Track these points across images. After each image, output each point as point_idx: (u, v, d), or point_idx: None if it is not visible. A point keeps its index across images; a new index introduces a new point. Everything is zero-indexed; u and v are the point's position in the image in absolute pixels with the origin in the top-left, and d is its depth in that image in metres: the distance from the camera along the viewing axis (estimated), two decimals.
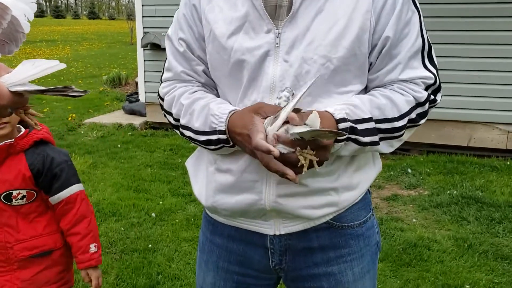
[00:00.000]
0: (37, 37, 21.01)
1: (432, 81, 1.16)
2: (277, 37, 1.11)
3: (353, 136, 1.09)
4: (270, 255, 1.26)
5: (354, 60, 1.12)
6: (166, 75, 1.28)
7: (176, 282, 2.86)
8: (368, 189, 1.30)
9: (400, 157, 5.04)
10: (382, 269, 2.98)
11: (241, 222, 1.25)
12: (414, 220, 3.67)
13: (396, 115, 1.13)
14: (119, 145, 5.55)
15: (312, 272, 1.25)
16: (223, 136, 1.12)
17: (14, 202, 1.69)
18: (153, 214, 3.75)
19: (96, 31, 25.47)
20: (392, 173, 4.63)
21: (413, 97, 1.14)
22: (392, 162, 4.89)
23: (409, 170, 4.66)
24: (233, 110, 1.13)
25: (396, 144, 1.19)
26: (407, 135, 1.18)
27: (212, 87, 1.26)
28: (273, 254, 1.26)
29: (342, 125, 1.07)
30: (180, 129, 1.22)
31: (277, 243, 1.23)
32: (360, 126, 1.09)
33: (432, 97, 1.17)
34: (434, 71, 1.17)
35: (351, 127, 1.08)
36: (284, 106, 1.03)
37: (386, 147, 1.17)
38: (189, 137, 1.20)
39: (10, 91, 0.85)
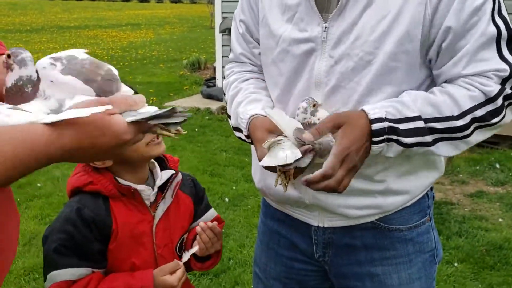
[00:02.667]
0: (123, 21, 22.00)
1: (507, 74, 1.01)
2: (325, 31, 1.08)
3: (394, 137, 1.01)
4: (315, 246, 1.26)
5: (404, 56, 1.04)
6: (230, 55, 1.34)
7: (246, 269, 2.88)
8: (427, 193, 1.23)
9: (487, 150, 4.71)
10: (462, 271, 2.82)
11: (289, 209, 1.27)
12: (500, 219, 3.42)
13: (456, 113, 1.02)
14: (196, 129, 5.69)
15: (355, 271, 1.24)
16: (248, 140, 1.16)
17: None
18: (226, 199, 3.81)
19: (178, 15, 26.20)
20: (478, 167, 4.34)
21: (481, 91, 1.01)
22: (479, 156, 4.58)
23: (497, 165, 4.35)
24: (253, 116, 1.14)
25: (463, 146, 1.07)
26: (478, 137, 1.05)
27: None
28: (317, 245, 1.26)
29: (376, 126, 0.99)
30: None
31: (321, 235, 1.23)
32: (402, 126, 1.00)
33: (508, 90, 1.02)
34: None
35: (391, 127, 1.00)
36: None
37: (447, 149, 1.05)
38: (231, 127, 1.26)
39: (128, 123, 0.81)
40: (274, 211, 1.33)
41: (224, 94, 1.31)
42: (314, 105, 1.03)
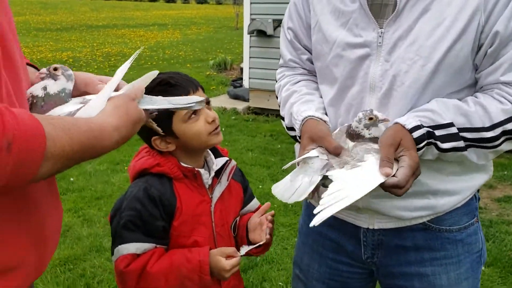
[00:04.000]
0: (150, 21, 22.32)
1: None
2: (380, 36, 1.11)
3: (433, 141, 1.06)
4: (363, 247, 1.27)
5: (454, 61, 1.07)
6: (280, 61, 1.39)
7: (273, 266, 2.94)
8: (474, 195, 1.26)
9: None
10: (489, 275, 2.81)
11: (337, 212, 1.27)
12: None
13: (487, 124, 1.06)
14: (223, 129, 5.75)
15: (404, 271, 1.25)
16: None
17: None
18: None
19: (204, 16, 26.43)
20: (506, 172, 4.30)
21: None
22: (507, 160, 4.54)
23: None
24: (306, 118, 1.17)
25: (491, 155, 1.11)
26: (507, 147, 1.10)
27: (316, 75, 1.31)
28: (365, 247, 1.27)
29: (417, 133, 1.04)
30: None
31: (370, 237, 1.25)
32: (438, 132, 1.05)
33: None
34: None
35: (428, 132, 1.05)
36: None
37: (477, 157, 1.10)
38: (285, 128, 1.30)
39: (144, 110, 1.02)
40: None
41: (277, 97, 1.37)
42: (370, 119, 1.06)
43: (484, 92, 1.11)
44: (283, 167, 1.07)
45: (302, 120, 1.18)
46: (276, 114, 6.25)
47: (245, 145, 5.19)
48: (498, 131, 1.06)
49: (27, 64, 1.07)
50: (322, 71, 1.25)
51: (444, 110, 1.07)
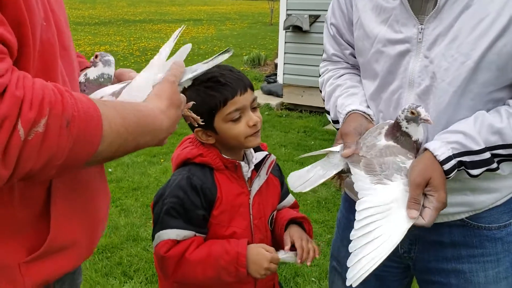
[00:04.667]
0: (185, 16, 22.55)
1: None
2: (420, 32, 1.11)
3: (462, 167, 1.07)
4: (400, 242, 1.26)
5: (497, 58, 1.06)
6: (323, 55, 1.42)
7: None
8: None
9: None
10: None
11: None
12: None
13: None
14: None
15: (441, 267, 1.25)
16: None
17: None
18: None
19: (238, 11, 26.52)
20: None
21: None
22: None
23: None
24: (350, 112, 1.20)
25: None
26: None
27: (359, 68, 1.32)
28: (402, 241, 1.25)
29: (447, 166, 1.05)
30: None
31: (407, 231, 1.23)
32: (469, 158, 1.05)
33: None
34: None
35: (459, 162, 1.05)
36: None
37: (510, 169, 1.11)
38: (331, 121, 1.32)
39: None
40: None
41: (321, 91, 1.39)
42: (412, 113, 1.07)
43: None
44: (299, 156, 1.13)
45: (346, 114, 1.21)
46: (309, 110, 6.24)
47: (278, 141, 5.20)
48: None
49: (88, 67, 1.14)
50: (364, 67, 1.27)
51: (478, 132, 1.06)
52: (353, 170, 1.09)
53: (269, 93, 6.91)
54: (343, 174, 1.14)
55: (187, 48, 1.08)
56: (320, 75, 1.41)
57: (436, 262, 1.26)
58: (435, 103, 1.11)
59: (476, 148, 1.05)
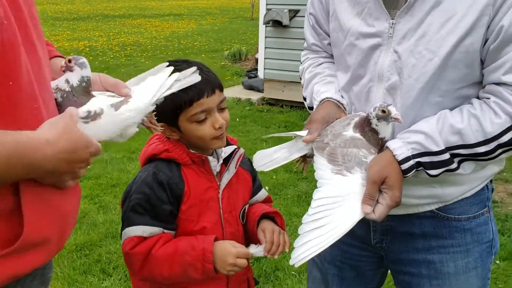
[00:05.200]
0: (165, 11, 22.35)
1: None
2: (391, 27, 1.11)
3: (420, 168, 1.09)
4: (372, 232, 1.30)
5: (464, 57, 1.06)
6: (304, 44, 1.43)
7: (287, 255, 2.91)
8: (487, 185, 1.26)
9: None
10: (504, 269, 2.80)
11: None
12: None
13: (480, 139, 1.06)
14: (237, 119, 5.79)
15: (412, 257, 1.27)
16: None
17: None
18: (266, 188, 3.88)
19: (219, 6, 26.37)
20: None
21: (508, 116, 1.05)
22: None
23: None
24: (325, 99, 1.21)
25: (487, 163, 1.13)
26: (503, 156, 1.10)
27: None
28: (375, 232, 1.30)
29: (405, 165, 1.07)
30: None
31: (379, 223, 1.25)
32: (428, 159, 1.07)
33: None
34: None
35: (418, 162, 1.08)
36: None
37: (471, 166, 1.12)
38: (307, 108, 1.34)
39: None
40: None
41: (301, 78, 1.40)
42: (383, 111, 1.07)
43: (483, 100, 1.10)
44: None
45: (320, 101, 1.22)
46: (290, 105, 6.24)
47: (259, 136, 5.19)
48: (492, 145, 1.06)
49: (57, 56, 1.12)
50: (337, 59, 1.28)
51: (439, 133, 1.07)
52: (316, 157, 1.11)
53: (250, 88, 6.90)
54: (308, 158, 1.16)
55: (192, 69, 1.17)
56: (301, 63, 1.42)
57: (407, 253, 1.27)
58: (403, 98, 1.12)
59: (436, 149, 1.07)
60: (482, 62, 1.09)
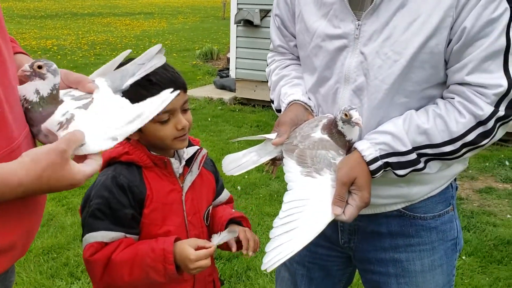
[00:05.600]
0: (136, 9, 22.06)
1: (503, 90, 1.03)
2: (357, 28, 1.12)
3: (388, 168, 1.10)
4: (340, 232, 1.31)
5: (430, 57, 1.08)
6: (270, 45, 1.42)
7: (258, 255, 2.94)
8: (451, 184, 1.28)
9: (497, 148, 4.74)
10: (470, 264, 2.87)
11: None
12: (508, 215, 3.47)
13: (446, 139, 1.08)
14: (209, 119, 5.76)
15: (380, 256, 1.28)
16: None
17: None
18: (238, 187, 3.88)
19: (190, 5, 26.19)
20: (487, 164, 4.38)
21: (472, 115, 1.06)
22: (488, 152, 4.61)
23: (507, 163, 4.38)
24: (292, 101, 1.21)
25: (452, 162, 1.15)
26: (467, 155, 1.12)
27: None
28: (342, 232, 1.31)
29: (373, 166, 1.08)
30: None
31: (347, 223, 1.25)
32: (396, 159, 1.09)
33: (501, 113, 1.05)
34: None
35: (386, 163, 1.09)
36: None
37: (437, 165, 1.13)
38: (274, 110, 1.34)
39: None
40: None
41: (267, 81, 1.39)
42: (345, 115, 1.07)
43: (447, 100, 1.11)
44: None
45: (288, 104, 1.22)
46: (262, 104, 6.25)
47: (231, 136, 5.18)
48: (458, 144, 1.08)
49: (20, 52, 1.07)
50: (303, 60, 1.27)
51: (406, 133, 1.08)
52: (285, 159, 1.10)
53: (222, 87, 6.88)
54: (277, 161, 1.16)
55: (156, 48, 1.11)
56: (267, 65, 1.41)
57: (375, 252, 1.28)
58: (369, 99, 1.13)
59: (403, 149, 1.08)
60: (446, 63, 1.10)
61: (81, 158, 0.90)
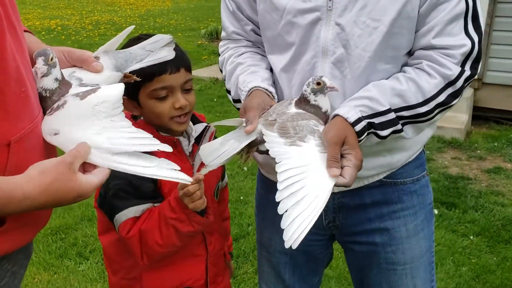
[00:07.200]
0: None
1: (467, 49, 1.08)
2: (330, 0, 1.10)
3: (372, 130, 1.09)
4: (323, 212, 1.29)
5: (407, 23, 1.10)
6: (222, 33, 1.37)
7: None
8: (423, 149, 1.33)
9: (506, 128, 4.69)
10: (477, 244, 2.86)
11: None
12: None
13: (420, 100, 1.10)
14: (215, 99, 5.73)
15: (366, 228, 1.30)
16: None
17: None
18: (245, 168, 3.87)
19: None
20: (496, 144, 4.34)
21: (441, 76, 1.09)
22: (497, 132, 4.57)
23: None
24: (252, 88, 1.17)
25: (426, 127, 1.17)
26: (439, 116, 1.14)
27: (261, 45, 1.30)
28: (326, 212, 1.30)
29: (358, 127, 1.06)
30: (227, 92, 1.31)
31: (330, 201, 1.25)
32: (377, 120, 1.08)
33: (467, 72, 1.10)
34: (475, 38, 1.09)
35: (369, 123, 1.08)
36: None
37: (412, 131, 1.14)
38: (231, 101, 1.29)
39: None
40: (274, 184, 1.34)
41: (221, 71, 1.34)
42: (318, 84, 1.06)
43: (415, 66, 1.13)
44: (212, 124, 1.09)
45: (248, 91, 1.17)
46: None
47: (237, 116, 5.15)
48: (431, 104, 1.10)
49: (25, 31, 1.06)
50: (273, 40, 1.22)
51: (381, 95, 1.08)
52: (267, 133, 1.04)
53: None
54: (253, 147, 1.09)
55: (167, 38, 1.12)
56: (220, 54, 1.36)
57: (361, 224, 1.30)
58: (352, 69, 1.12)
59: (382, 108, 1.08)
60: None
61: (89, 167, 0.90)
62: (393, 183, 1.27)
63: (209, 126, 1.37)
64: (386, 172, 1.25)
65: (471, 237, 2.93)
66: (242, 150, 1.08)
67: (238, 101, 1.24)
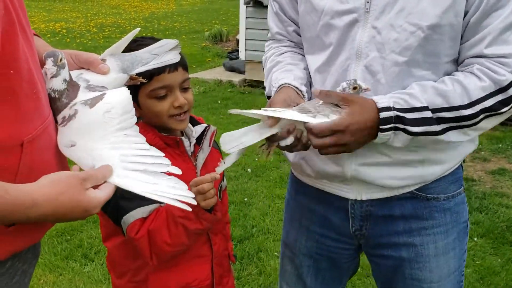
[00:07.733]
0: None
1: None
2: (368, 2, 1.09)
3: (401, 126, 1.05)
4: (351, 219, 1.27)
5: (449, 29, 1.06)
6: (268, 34, 1.39)
7: (269, 236, 2.97)
8: (461, 164, 1.26)
9: (511, 129, 4.68)
10: (482, 245, 2.86)
11: (323, 184, 1.28)
12: None
13: (466, 102, 1.05)
14: (219, 101, 5.75)
15: (393, 241, 1.25)
16: None
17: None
18: (249, 170, 3.89)
19: None
20: (500, 145, 4.33)
21: (492, 81, 1.04)
22: (502, 134, 4.56)
23: None
24: (283, 85, 1.17)
25: (472, 133, 1.11)
26: (487, 124, 1.09)
27: (303, 46, 1.29)
28: (353, 219, 1.27)
29: (384, 114, 1.03)
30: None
31: (358, 208, 1.24)
32: (409, 115, 1.04)
33: None
34: None
35: (398, 116, 1.04)
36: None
37: (457, 136, 1.09)
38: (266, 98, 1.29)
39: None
40: (306, 187, 1.33)
41: (263, 69, 1.36)
42: (354, 88, 1.05)
43: (464, 70, 1.09)
44: (229, 111, 1.10)
45: (278, 87, 1.18)
46: None
47: (241, 118, 5.16)
48: (477, 108, 1.05)
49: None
50: (311, 41, 1.23)
51: (422, 93, 1.05)
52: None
53: (232, 69, 6.84)
54: (274, 143, 1.09)
55: (173, 43, 1.14)
56: (264, 53, 1.39)
57: (388, 237, 1.26)
58: (385, 74, 1.10)
59: (419, 105, 1.05)
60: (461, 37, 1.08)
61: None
62: (426, 198, 1.21)
63: (209, 126, 1.38)
64: (418, 185, 1.20)
65: (476, 239, 2.92)
66: (263, 144, 1.10)
67: (269, 98, 1.24)
